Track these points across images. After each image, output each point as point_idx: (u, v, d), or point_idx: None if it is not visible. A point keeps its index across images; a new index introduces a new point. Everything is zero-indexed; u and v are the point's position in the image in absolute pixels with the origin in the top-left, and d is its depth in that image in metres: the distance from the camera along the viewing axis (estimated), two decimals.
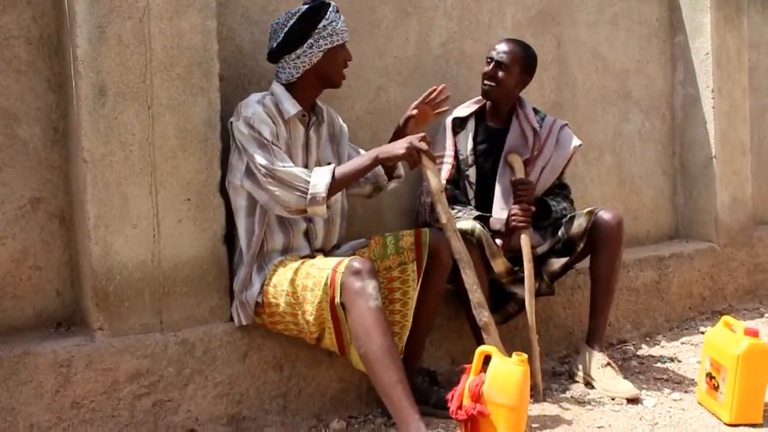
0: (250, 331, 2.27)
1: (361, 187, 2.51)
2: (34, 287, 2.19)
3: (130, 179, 2.08)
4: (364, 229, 2.68)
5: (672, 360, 3.02)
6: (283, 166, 2.13)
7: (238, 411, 2.24)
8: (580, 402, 2.53)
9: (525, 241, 2.59)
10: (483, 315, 2.20)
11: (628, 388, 2.54)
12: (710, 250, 3.73)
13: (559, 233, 2.72)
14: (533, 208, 2.64)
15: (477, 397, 1.96)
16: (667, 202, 3.91)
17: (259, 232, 2.23)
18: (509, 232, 2.65)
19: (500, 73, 2.68)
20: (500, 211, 2.70)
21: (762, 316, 3.70)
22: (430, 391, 2.40)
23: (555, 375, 2.82)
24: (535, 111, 2.83)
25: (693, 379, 2.73)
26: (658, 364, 2.96)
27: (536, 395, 2.50)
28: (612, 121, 3.65)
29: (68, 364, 2.00)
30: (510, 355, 2.07)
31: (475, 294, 2.20)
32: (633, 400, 2.51)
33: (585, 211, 2.69)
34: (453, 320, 2.70)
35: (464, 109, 2.82)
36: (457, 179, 2.77)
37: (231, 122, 2.22)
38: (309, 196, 2.11)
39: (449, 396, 2.08)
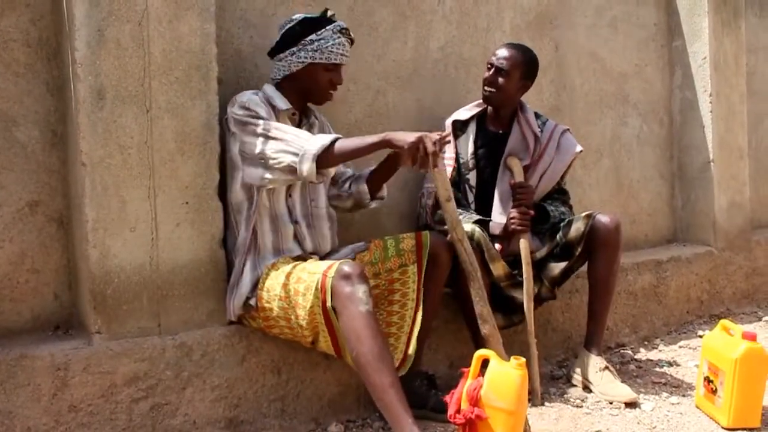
0: (248, 334, 2.27)
1: (343, 200, 2.51)
2: (31, 290, 2.18)
3: (129, 182, 2.08)
4: (363, 232, 2.68)
5: (670, 364, 3.02)
6: (284, 127, 2.15)
7: (235, 414, 2.24)
8: (578, 406, 2.53)
9: (524, 245, 2.60)
10: (485, 328, 2.20)
11: (626, 392, 2.54)
12: (708, 254, 3.74)
13: (557, 237, 2.72)
14: (532, 212, 2.64)
15: (475, 401, 1.96)
16: (665, 206, 3.91)
17: (250, 233, 2.24)
18: (508, 235, 2.65)
19: (500, 79, 2.68)
20: (499, 216, 2.70)
21: (760, 319, 3.71)
22: (428, 394, 2.40)
23: (553, 379, 2.82)
24: (537, 115, 2.83)
25: (691, 383, 2.73)
26: (656, 368, 2.96)
27: (534, 399, 2.50)
28: (610, 125, 3.65)
29: (66, 367, 1.99)
30: (508, 359, 2.07)
31: (478, 306, 2.20)
32: (631, 404, 2.51)
33: (583, 215, 2.69)
34: (451, 324, 2.70)
35: (465, 113, 2.82)
36: (457, 182, 2.77)
37: (225, 118, 2.23)
38: (301, 153, 2.08)
39: (447, 399, 2.08)
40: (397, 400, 1.96)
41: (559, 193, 2.85)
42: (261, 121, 2.15)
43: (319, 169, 2.10)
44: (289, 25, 2.28)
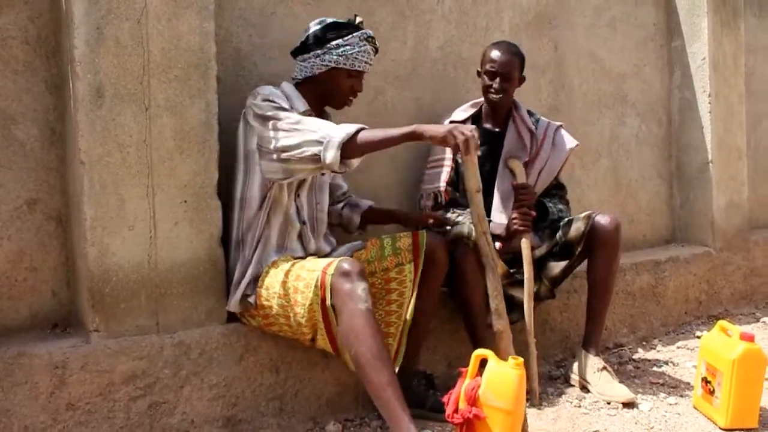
0: (246, 333, 2.27)
1: (330, 216, 2.52)
2: (30, 288, 2.18)
3: (127, 181, 2.07)
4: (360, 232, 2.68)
5: (668, 364, 3.02)
6: (309, 119, 2.14)
7: (233, 413, 2.24)
8: (576, 406, 2.54)
9: (525, 244, 2.60)
10: (499, 323, 2.19)
11: (624, 392, 2.54)
12: (706, 254, 3.74)
13: (557, 236, 2.72)
14: (534, 213, 2.64)
15: (473, 401, 1.96)
16: (664, 206, 3.91)
17: (255, 231, 2.24)
18: (510, 235, 2.65)
19: (505, 85, 2.69)
20: (499, 215, 2.70)
21: (758, 320, 3.71)
22: (427, 394, 2.40)
23: (551, 379, 2.82)
24: (530, 113, 2.84)
25: (689, 384, 2.73)
26: (654, 368, 2.96)
27: (532, 399, 2.50)
28: (609, 125, 3.65)
29: (64, 365, 1.99)
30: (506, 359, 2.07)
31: (494, 301, 2.19)
32: (629, 404, 2.51)
33: (583, 215, 2.69)
34: (449, 323, 2.70)
35: (461, 113, 2.83)
36: (456, 182, 2.77)
37: (245, 110, 2.22)
38: (325, 141, 2.05)
39: (445, 399, 2.08)
40: (395, 398, 1.96)
41: (556, 188, 2.85)
42: (283, 113, 2.14)
43: (343, 159, 2.05)
44: (315, 27, 2.28)
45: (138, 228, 2.09)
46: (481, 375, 2.02)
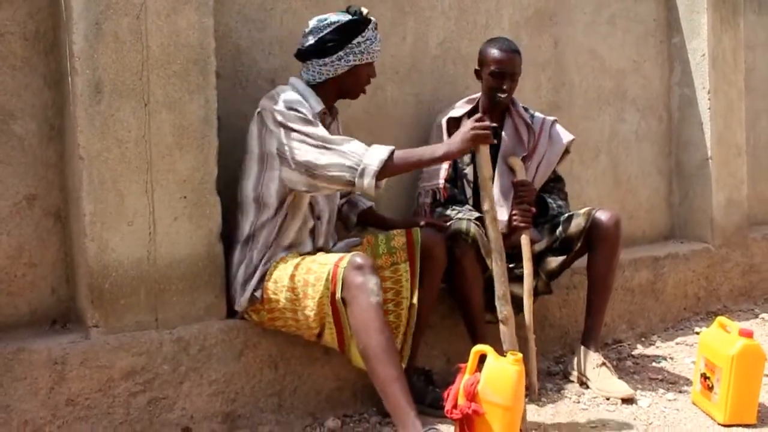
0: (246, 329, 2.27)
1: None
2: (29, 284, 2.18)
3: (126, 176, 2.07)
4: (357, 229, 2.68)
5: (667, 360, 3.03)
6: (338, 139, 2.11)
7: (233, 409, 2.24)
8: (575, 402, 2.54)
9: (525, 240, 2.59)
10: (505, 308, 2.20)
11: (622, 388, 2.55)
12: (705, 251, 3.74)
13: (557, 232, 2.72)
14: (534, 209, 2.64)
15: (472, 397, 1.96)
16: (663, 203, 3.91)
17: (269, 227, 2.23)
18: (510, 231, 2.65)
19: (512, 85, 2.70)
20: (498, 210, 2.70)
21: (756, 317, 3.71)
22: (426, 390, 2.41)
23: (550, 374, 2.83)
24: (525, 109, 2.85)
25: (688, 380, 2.73)
26: (653, 364, 2.97)
27: (531, 394, 2.51)
28: (608, 121, 3.65)
29: (63, 361, 1.99)
30: (506, 354, 2.07)
31: (501, 286, 2.19)
32: (628, 400, 2.52)
33: (583, 211, 2.69)
34: (448, 319, 2.70)
35: (458, 110, 2.82)
36: (454, 178, 2.77)
37: (261, 111, 2.20)
38: (360, 167, 2.06)
39: (444, 395, 2.08)
40: (402, 393, 1.97)
41: (554, 182, 2.84)
42: (310, 128, 2.12)
43: (376, 182, 2.09)
44: (329, 29, 2.24)
45: (137, 224, 2.09)
46: (480, 371, 2.02)
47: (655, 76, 3.84)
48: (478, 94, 2.80)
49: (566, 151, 2.83)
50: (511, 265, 2.67)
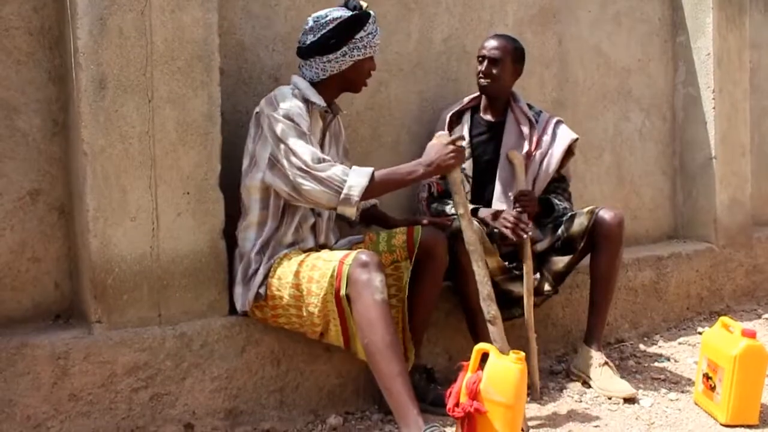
0: (248, 325, 2.27)
1: None
2: (32, 279, 2.18)
3: (130, 172, 2.07)
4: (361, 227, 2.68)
5: (669, 360, 3.02)
6: (321, 165, 2.10)
7: (235, 405, 2.24)
8: (577, 401, 2.54)
9: (526, 241, 2.59)
10: (491, 308, 2.19)
11: (625, 387, 2.54)
12: (709, 251, 3.74)
13: (559, 231, 2.72)
14: (529, 224, 2.59)
15: (474, 395, 1.96)
16: (667, 202, 3.91)
17: (271, 224, 2.23)
18: (504, 237, 2.62)
19: (494, 69, 2.70)
20: (500, 205, 2.70)
21: (760, 317, 3.71)
22: (428, 388, 2.41)
23: (552, 373, 2.83)
24: (530, 106, 2.84)
25: (690, 380, 2.73)
26: (656, 364, 2.97)
27: (533, 393, 2.51)
28: (612, 120, 3.65)
29: (66, 356, 2.00)
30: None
31: (485, 287, 2.20)
32: (630, 400, 2.51)
33: (586, 210, 2.69)
34: (450, 317, 2.70)
35: (458, 105, 2.85)
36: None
37: (259, 112, 2.20)
38: (342, 196, 2.09)
39: (446, 393, 2.08)
40: (405, 390, 1.97)
41: (558, 181, 2.83)
42: (300, 146, 2.10)
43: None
44: (331, 26, 2.23)
45: (140, 219, 2.09)
46: (482, 369, 2.02)
47: (659, 75, 3.83)
48: None
49: (571, 153, 2.81)
50: (511, 265, 2.67)
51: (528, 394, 2.34)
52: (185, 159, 2.15)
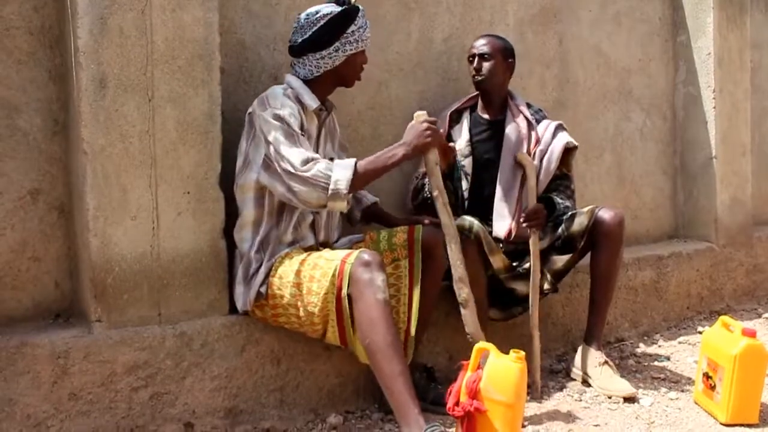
0: (248, 324, 2.27)
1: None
2: (32, 278, 2.18)
3: (130, 171, 2.07)
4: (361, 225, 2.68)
5: (669, 359, 3.02)
6: (306, 167, 2.10)
7: (235, 404, 2.24)
8: (576, 400, 2.54)
9: (533, 239, 2.59)
10: (463, 291, 2.20)
11: (625, 386, 2.54)
12: (709, 250, 3.74)
13: (560, 230, 2.72)
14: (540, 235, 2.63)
15: (474, 394, 1.97)
16: (667, 202, 3.91)
17: (267, 223, 2.23)
18: (513, 240, 2.64)
19: (485, 64, 2.73)
20: (501, 204, 2.68)
21: (760, 316, 3.71)
22: (428, 387, 2.41)
23: (552, 372, 2.83)
24: (529, 105, 2.85)
25: (690, 379, 2.73)
26: (656, 363, 2.97)
27: (534, 392, 2.51)
28: (613, 120, 3.65)
29: (66, 355, 2.00)
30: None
31: (458, 270, 2.20)
32: (630, 399, 2.51)
33: (586, 209, 2.69)
34: (450, 316, 2.69)
35: (456, 103, 2.86)
36: (449, 172, 2.78)
37: (251, 113, 2.21)
38: (330, 192, 2.09)
39: (446, 392, 2.08)
40: (406, 389, 1.97)
41: (561, 179, 2.82)
42: (289, 151, 2.10)
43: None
44: (322, 22, 2.24)
45: (140, 219, 2.09)
46: (482, 368, 2.02)
47: (660, 75, 3.83)
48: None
49: (573, 149, 2.78)
50: (514, 264, 2.67)
51: (528, 393, 2.34)
52: (186, 158, 2.16)
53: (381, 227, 2.52)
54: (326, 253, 2.17)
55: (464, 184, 2.77)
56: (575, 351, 2.81)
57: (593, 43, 3.54)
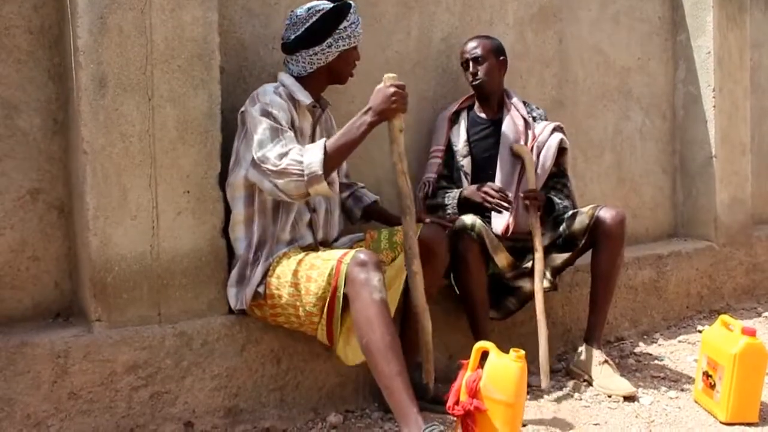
0: (248, 324, 2.27)
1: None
2: (32, 278, 2.18)
3: (130, 171, 2.07)
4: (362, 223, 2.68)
5: (669, 358, 3.02)
6: (282, 160, 2.07)
7: (235, 404, 2.24)
8: (577, 399, 2.54)
9: (536, 225, 2.60)
10: (414, 264, 2.13)
11: (625, 385, 2.55)
12: (709, 249, 3.74)
13: (560, 229, 2.72)
14: (538, 215, 2.65)
15: (474, 393, 1.97)
16: (667, 201, 3.91)
17: (259, 221, 2.23)
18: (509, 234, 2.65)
19: (480, 67, 2.75)
20: (497, 214, 2.69)
21: (759, 315, 3.71)
22: (427, 386, 2.40)
23: (552, 372, 2.81)
24: (525, 104, 2.86)
25: (690, 378, 2.73)
26: (656, 362, 2.97)
27: (544, 380, 2.49)
28: (612, 119, 3.65)
29: (66, 354, 2.00)
30: (507, 351, 2.07)
31: (409, 241, 2.13)
32: (630, 398, 2.52)
33: (587, 208, 2.69)
34: (450, 315, 2.70)
35: (455, 104, 2.88)
36: (449, 173, 2.79)
37: (243, 111, 2.21)
38: (306, 178, 2.05)
39: (446, 391, 2.08)
40: (404, 389, 1.96)
41: (558, 176, 2.82)
42: (272, 151, 2.08)
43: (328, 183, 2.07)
44: (314, 18, 2.25)
45: (140, 218, 2.09)
46: (482, 367, 2.02)
47: (659, 74, 3.83)
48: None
49: (565, 149, 2.79)
50: (518, 262, 2.67)
51: (535, 387, 2.33)
52: (185, 158, 2.15)
53: (382, 226, 2.52)
54: (324, 253, 2.17)
55: (464, 183, 2.77)
56: (575, 350, 2.82)
57: (593, 42, 3.54)
